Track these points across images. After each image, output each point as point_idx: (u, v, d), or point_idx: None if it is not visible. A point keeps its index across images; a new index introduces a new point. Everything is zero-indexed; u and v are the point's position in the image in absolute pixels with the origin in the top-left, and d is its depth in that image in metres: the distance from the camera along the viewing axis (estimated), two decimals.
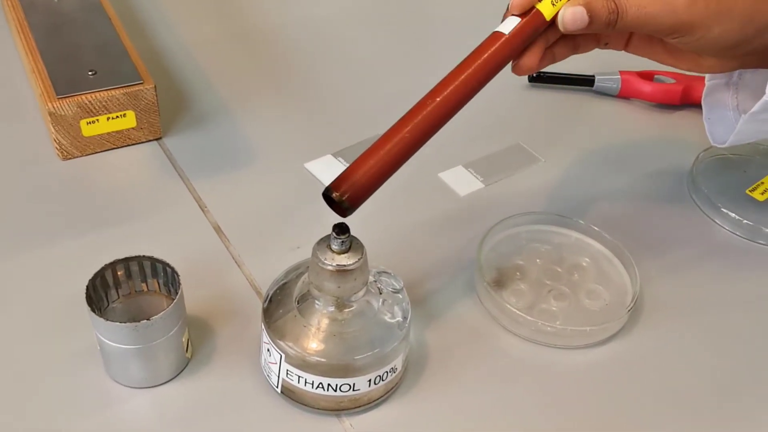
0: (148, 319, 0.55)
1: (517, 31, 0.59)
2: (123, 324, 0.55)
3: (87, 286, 0.57)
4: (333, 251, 0.55)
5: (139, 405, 0.59)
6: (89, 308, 0.55)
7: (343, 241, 0.54)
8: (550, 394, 0.63)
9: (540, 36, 0.60)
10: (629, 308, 0.66)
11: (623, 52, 0.68)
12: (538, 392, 0.63)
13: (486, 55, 0.58)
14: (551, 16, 0.59)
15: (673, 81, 0.93)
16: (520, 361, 0.65)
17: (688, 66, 0.65)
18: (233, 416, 0.59)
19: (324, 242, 0.55)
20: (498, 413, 0.61)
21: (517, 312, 0.65)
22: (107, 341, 0.57)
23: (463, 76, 0.57)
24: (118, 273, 0.60)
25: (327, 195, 0.53)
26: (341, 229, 0.54)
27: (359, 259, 0.55)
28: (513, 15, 0.59)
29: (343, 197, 0.53)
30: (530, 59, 0.60)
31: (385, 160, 0.54)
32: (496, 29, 0.59)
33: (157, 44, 0.97)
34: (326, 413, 0.59)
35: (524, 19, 0.59)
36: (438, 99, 0.56)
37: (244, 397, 0.60)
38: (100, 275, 0.58)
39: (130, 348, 0.57)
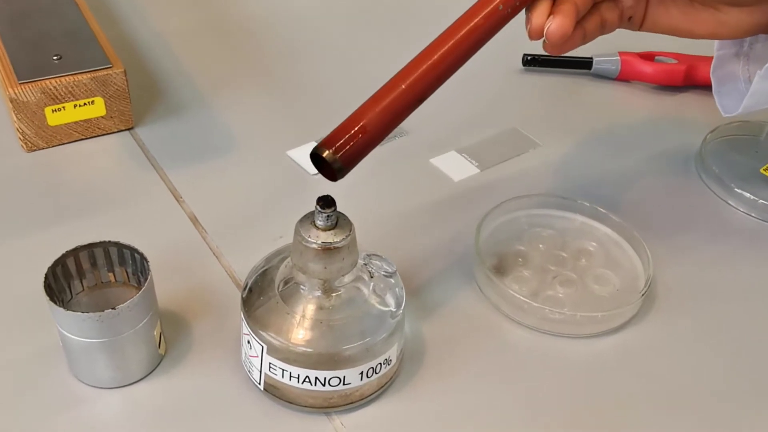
0: (113, 308, 0.49)
1: None
2: (85, 314, 0.49)
3: (46, 275, 0.51)
4: (318, 228, 0.49)
5: (107, 406, 0.54)
6: (48, 298, 0.50)
7: (328, 216, 0.49)
8: (557, 386, 0.57)
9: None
10: (643, 292, 0.61)
11: (623, 33, 0.63)
12: (544, 385, 0.57)
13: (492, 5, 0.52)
14: None
15: (674, 62, 0.89)
16: (525, 351, 0.60)
17: (707, 29, 0.60)
18: (211, 417, 0.54)
19: (308, 219, 0.50)
20: (501, 408, 0.56)
21: (522, 299, 0.60)
22: (69, 335, 0.51)
23: (468, 26, 0.51)
24: (82, 261, 0.54)
25: (316, 155, 0.48)
26: (327, 202, 0.49)
27: (347, 236, 0.50)
28: None
29: (336, 156, 0.47)
30: (564, 24, 0.54)
31: (382, 116, 0.49)
32: None
33: (129, 34, 0.92)
34: (314, 411, 0.54)
35: None
36: (440, 52, 0.51)
37: (223, 397, 0.55)
38: (61, 263, 0.53)
39: (95, 342, 0.51)
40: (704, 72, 0.88)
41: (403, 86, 0.49)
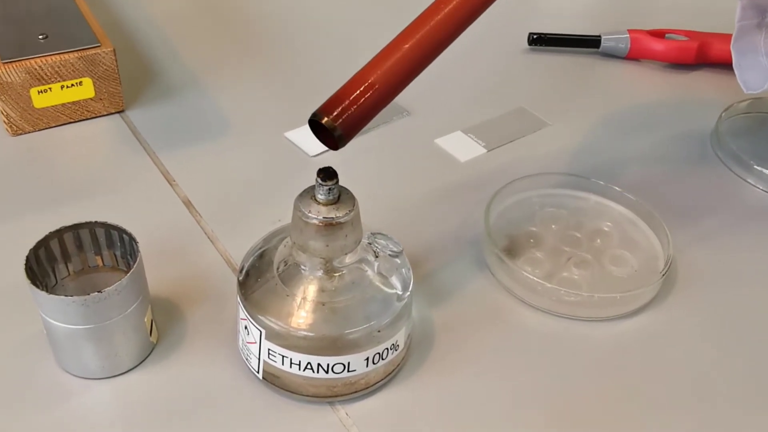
0: (99, 292, 0.46)
1: None
2: (70, 298, 0.46)
3: (27, 257, 0.48)
4: (319, 202, 0.46)
5: (96, 398, 0.50)
6: (29, 281, 0.46)
7: (330, 189, 0.45)
8: (573, 371, 0.54)
9: None
10: (663, 272, 0.58)
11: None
12: (560, 371, 0.54)
13: None
14: None
15: (686, 38, 0.85)
16: (539, 336, 0.56)
17: None
18: (207, 410, 0.50)
19: (308, 193, 0.47)
20: (515, 395, 0.52)
21: (536, 280, 0.56)
22: (54, 322, 0.47)
23: None
24: (67, 243, 0.51)
25: (315, 121, 0.44)
26: (328, 174, 0.45)
27: (350, 211, 0.46)
28: None
29: (335, 123, 0.44)
30: None
31: (386, 78, 0.45)
32: None
33: (120, 16, 0.89)
34: (317, 401, 0.50)
35: None
36: (445, 10, 0.47)
37: (219, 387, 0.51)
38: (43, 245, 0.49)
39: (81, 329, 0.47)
40: (717, 49, 0.85)
41: (416, 38, 0.46)
